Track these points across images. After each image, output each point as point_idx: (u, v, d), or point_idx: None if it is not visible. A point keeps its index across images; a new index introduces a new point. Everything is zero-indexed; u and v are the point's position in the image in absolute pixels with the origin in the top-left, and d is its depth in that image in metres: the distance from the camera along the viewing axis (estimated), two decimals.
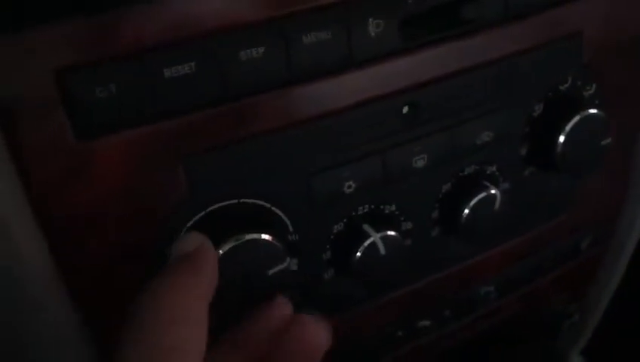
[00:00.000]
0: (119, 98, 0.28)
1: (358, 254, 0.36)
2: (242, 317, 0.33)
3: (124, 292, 0.30)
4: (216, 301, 0.29)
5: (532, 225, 0.47)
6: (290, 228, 0.35)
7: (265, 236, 0.32)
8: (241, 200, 0.33)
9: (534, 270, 0.50)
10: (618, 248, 0.57)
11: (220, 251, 0.31)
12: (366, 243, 0.36)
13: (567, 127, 0.40)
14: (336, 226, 0.37)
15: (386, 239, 0.36)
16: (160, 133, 0.30)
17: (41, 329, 0.32)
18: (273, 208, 0.34)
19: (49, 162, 0.28)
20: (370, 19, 0.32)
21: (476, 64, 0.37)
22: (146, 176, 0.30)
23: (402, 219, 0.39)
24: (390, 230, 0.37)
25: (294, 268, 0.36)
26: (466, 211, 0.39)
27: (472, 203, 0.39)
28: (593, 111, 0.40)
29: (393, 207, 0.38)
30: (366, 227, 0.37)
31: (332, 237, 0.37)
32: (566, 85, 0.41)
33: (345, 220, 0.37)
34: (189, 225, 0.32)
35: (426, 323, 0.47)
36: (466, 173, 0.40)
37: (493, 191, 0.39)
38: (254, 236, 0.32)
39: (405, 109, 0.36)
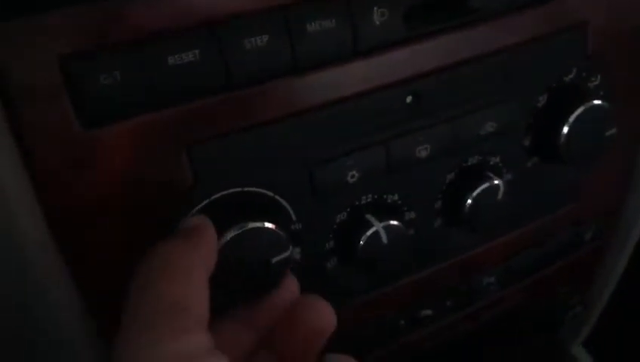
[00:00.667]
0: (123, 85, 0.28)
1: (361, 243, 0.36)
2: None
3: (125, 279, 0.30)
4: (220, 288, 0.29)
5: (535, 217, 0.47)
6: (294, 217, 0.36)
7: (268, 224, 0.32)
8: (245, 189, 0.33)
9: (537, 261, 0.50)
10: (621, 240, 0.57)
11: (224, 239, 0.31)
12: (369, 233, 0.36)
13: (572, 118, 0.40)
14: (339, 216, 0.37)
15: (388, 228, 0.37)
16: (163, 122, 0.30)
17: (45, 313, 0.33)
18: (276, 197, 0.34)
19: (53, 150, 0.28)
20: (375, 8, 0.32)
21: (481, 54, 0.37)
22: (149, 165, 0.30)
23: (405, 209, 0.39)
24: (393, 220, 0.37)
25: (297, 257, 0.36)
26: (469, 201, 0.39)
27: (475, 193, 0.39)
28: (598, 102, 0.40)
29: (396, 197, 0.38)
30: (369, 216, 0.37)
31: (335, 226, 0.37)
32: (570, 76, 0.41)
33: (348, 210, 0.37)
34: (192, 212, 0.32)
35: (428, 312, 0.47)
36: (469, 163, 0.40)
37: (496, 182, 0.39)
38: (258, 224, 0.32)
39: (409, 99, 0.36)
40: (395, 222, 0.37)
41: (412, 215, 0.40)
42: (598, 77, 0.42)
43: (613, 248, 0.57)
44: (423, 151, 0.37)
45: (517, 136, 0.41)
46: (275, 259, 0.33)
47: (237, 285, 0.33)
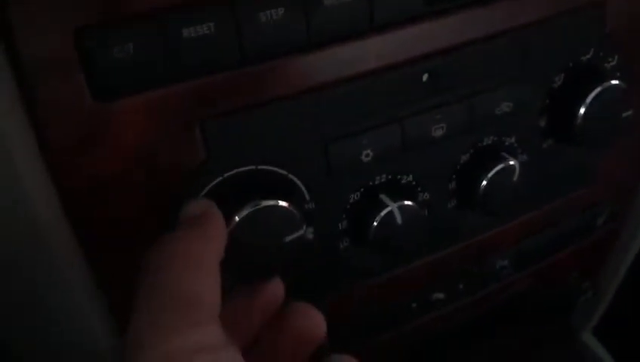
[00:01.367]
0: (137, 58, 0.28)
1: (375, 224, 0.36)
2: (235, 294, 0.32)
3: (137, 254, 0.30)
4: (230, 270, 0.29)
5: (549, 199, 0.46)
6: (307, 197, 0.35)
7: (282, 203, 0.32)
8: (259, 167, 0.33)
9: (549, 245, 0.50)
10: (634, 226, 0.56)
11: (237, 217, 0.31)
12: (383, 213, 0.36)
13: (588, 99, 0.39)
14: (353, 196, 0.37)
15: (403, 209, 0.36)
16: (177, 96, 0.29)
17: (58, 295, 0.32)
18: (290, 176, 0.34)
19: (66, 125, 0.28)
20: None
21: (498, 32, 0.36)
22: (162, 139, 0.30)
23: (419, 189, 0.39)
24: (407, 200, 0.36)
25: (310, 237, 0.36)
26: (484, 183, 0.39)
27: (490, 174, 0.39)
28: (615, 82, 0.40)
29: (410, 178, 0.38)
30: (383, 197, 0.36)
31: (349, 206, 0.37)
32: (587, 56, 0.40)
33: (362, 190, 0.37)
34: (205, 190, 0.32)
35: (440, 296, 0.46)
36: (484, 143, 0.39)
37: (511, 163, 0.39)
38: (271, 202, 0.32)
39: (425, 77, 0.35)
40: (409, 203, 0.36)
41: (426, 196, 0.39)
42: (615, 57, 0.41)
43: (626, 234, 0.57)
44: (438, 130, 0.36)
45: (533, 116, 0.41)
46: (288, 238, 0.33)
47: (248, 265, 0.32)
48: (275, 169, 0.33)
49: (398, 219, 0.36)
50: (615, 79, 0.40)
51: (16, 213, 0.29)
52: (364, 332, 0.44)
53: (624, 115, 0.41)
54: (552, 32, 0.38)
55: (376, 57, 0.33)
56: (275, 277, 0.33)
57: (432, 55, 0.35)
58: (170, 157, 0.31)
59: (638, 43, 0.42)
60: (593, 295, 0.60)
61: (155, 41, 0.28)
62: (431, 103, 0.36)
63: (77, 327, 0.34)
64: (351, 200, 0.37)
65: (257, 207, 0.31)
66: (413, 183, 0.38)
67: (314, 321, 0.31)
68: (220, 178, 0.32)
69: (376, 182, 0.37)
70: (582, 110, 0.39)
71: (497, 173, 0.39)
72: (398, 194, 0.37)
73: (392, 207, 0.36)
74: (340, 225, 0.37)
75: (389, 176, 0.37)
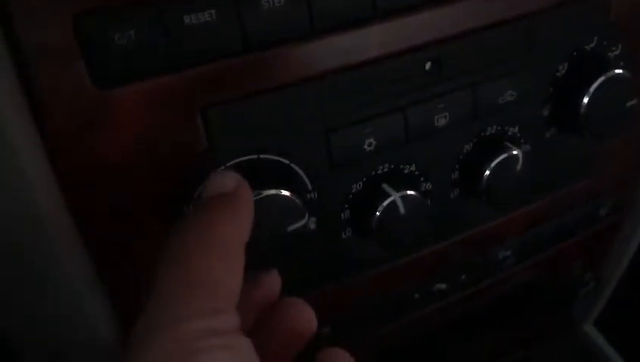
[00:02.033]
0: (138, 45, 0.27)
1: (377, 214, 0.36)
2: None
3: (137, 243, 0.29)
4: None
5: (552, 189, 0.46)
6: (309, 186, 0.35)
7: (284, 192, 0.32)
8: (261, 156, 0.33)
9: (552, 235, 0.49)
10: (637, 218, 0.56)
11: None
12: (385, 203, 0.36)
13: (592, 88, 0.39)
14: (355, 185, 0.37)
15: (406, 198, 0.36)
16: (178, 83, 0.29)
17: (58, 287, 0.32)
18: (292, 165, 0.34)
19: (67, 112, 0.28)
20: None
21: (501, 20, 0.36)
22: (163, 127, 0.30)
23: (422, 179, 0.38)
24: (410, 190, 0.36)
25: (313, 226, 0.36)
26: (487, 172, 0.38)
27: (493, 164, 0.38)
28: (619, 71, 0.39)
29: (413, 167, 0.38)
30: (386, 186, 0.36)
31: (351, 196, 0.37)
32: (592, 45, 0.40)
33: (364, 179, 0.37)
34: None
35: (442, 286, 0.46)
36: (487, 133, 0.39)
37: (515, 152, 0.38)
38: (273, 192, 0.32)
39: (428, 65, 0.35)
40: (412, 192, 0.36)
41: (429, 186, 0.39)
42: (620, 46, 0.41)
43: (628, 225, 0.57)
44: (441, 120, 0.36)
45: (536, 105, 0.40)
46: (290, 228, 0.33)
47: (250, 255, 0.32)
48: (277, 158, 0.33)
49: (401, 209, 0.36)
50: (619, 68, 0.39)
51: (16, 202, 0.29)
52: (367, 323, 0.44)
53: (628, 104, 0.41)
54: (555, 20, 0.38)
55: (379, 45, 0.33)
56: (273, 271, 0.33)
57: (435, 43, 0.34)
58: (171, 146, 0.30)
59: None
60: (595, 286, 0.60)
61: (155, 29, 0.27)
62: (434, 92, 0.35)
63: (77, 317, 0.34)
64: (353, 190, 0.37)
65: (259, 196, 0.31)
66: (416, 173, 0.38)
67: (305, 316, 0.31)
68: (223, 167, 0.32)
69: (379, 172, 0.37)
70: (585, 99, 0.39)
71: (500, 162, 0.38)
72: (400, 184, 0.36)
73: (394, 196, 0.36)
74: (342, 214, 0.37)
75: (392, 166, 0.37)
